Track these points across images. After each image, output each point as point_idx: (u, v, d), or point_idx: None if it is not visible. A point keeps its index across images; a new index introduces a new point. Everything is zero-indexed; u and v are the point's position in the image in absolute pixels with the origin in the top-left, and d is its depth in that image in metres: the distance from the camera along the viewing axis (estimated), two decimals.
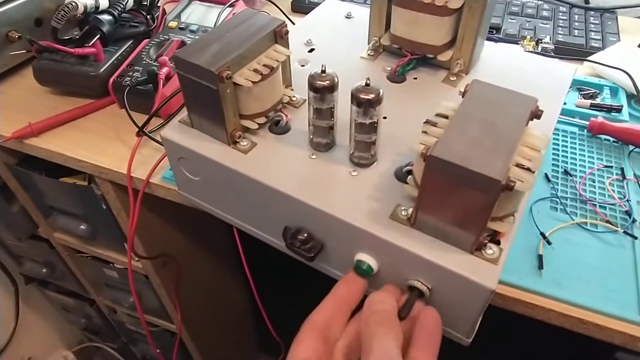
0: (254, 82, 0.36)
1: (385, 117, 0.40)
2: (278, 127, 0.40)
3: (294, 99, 0.42)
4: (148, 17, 0.65)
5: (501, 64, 0.47)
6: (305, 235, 0.36)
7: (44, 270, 0.87)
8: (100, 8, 0.59)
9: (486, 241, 0.31)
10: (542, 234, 0.42)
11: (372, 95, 0.32)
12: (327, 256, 0.37)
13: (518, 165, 0.28)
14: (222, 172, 0.38)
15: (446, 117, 0.32)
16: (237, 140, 0.38)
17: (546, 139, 0.31)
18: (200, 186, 0.42)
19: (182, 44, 0.61)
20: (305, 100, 0.42)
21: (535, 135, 0.31)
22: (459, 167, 0.27)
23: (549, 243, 0.41)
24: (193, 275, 0.81)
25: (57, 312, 1.08)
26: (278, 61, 0.38)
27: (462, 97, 0.33)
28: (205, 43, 0.36)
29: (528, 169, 0.28)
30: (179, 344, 0.84)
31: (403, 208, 0.33)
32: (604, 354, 0.47)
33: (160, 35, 0.62)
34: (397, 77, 0.45)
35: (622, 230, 0.42)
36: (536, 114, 0.31)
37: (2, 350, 1.02)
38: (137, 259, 0.66)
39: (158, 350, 0.83)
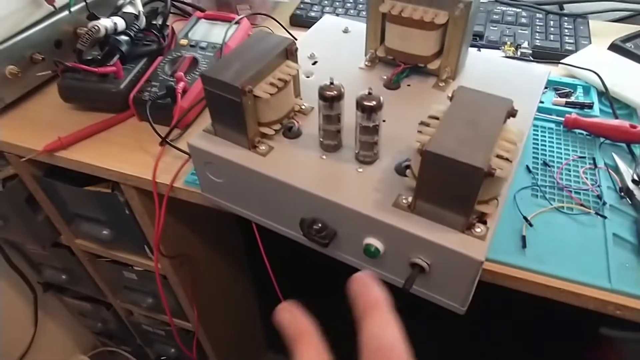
0: (271, 94, 0.42)
1: (384, 121, 0.46)
2: (291, 132, 0.46)
3: (303, 107, 0.48)
4: (159, 35, 0.71)
5: (484, 69, 0.53)
6: (320, 225, 0.42)
7: (64, 276, 0.91)
8: (118, 29, 0.65)
9: (475, 221, 0.37)
10: (525, 218, 0.48)
11: (374, 102, 0.38)
12: (339, 242, 0.43)
13: (498, 156, 0.34)
14: (245, 173, 0.44)
15: (437, 118, 0.38)
16: (257, 145, 0.44)
17: (521, 134, 0.37)
18: (224, 187, 0.48)
19: (194, 60, 0.66)
20: (313, 107, 0.48)
21: (512, 131, 0.37)
22: (449, 159, 0.33)
23: (530, 225, 0.47)
24: (207, 274, 0.86)
25: (74, 318, 1.13)
26: (290, 75, 0.43)
27: (450, 101, 0.39)
28: (228, 62, 0.42)
29: (507, 159, 0.34)
30: (196, 341, 0.89)
31: (404, 197, 0.39)
32: (590, 330, 0.53)
33: (173, 53, 0.68)
34: (392, 84, 0.51)
35: (594, 212, 0.48)
36: (512, 113, 0.37)
37: (20, 359, 1.06)
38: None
39: (175, 349, 0.88)
